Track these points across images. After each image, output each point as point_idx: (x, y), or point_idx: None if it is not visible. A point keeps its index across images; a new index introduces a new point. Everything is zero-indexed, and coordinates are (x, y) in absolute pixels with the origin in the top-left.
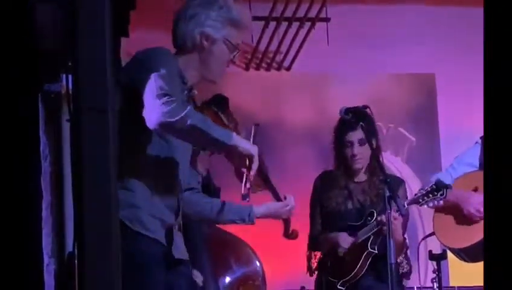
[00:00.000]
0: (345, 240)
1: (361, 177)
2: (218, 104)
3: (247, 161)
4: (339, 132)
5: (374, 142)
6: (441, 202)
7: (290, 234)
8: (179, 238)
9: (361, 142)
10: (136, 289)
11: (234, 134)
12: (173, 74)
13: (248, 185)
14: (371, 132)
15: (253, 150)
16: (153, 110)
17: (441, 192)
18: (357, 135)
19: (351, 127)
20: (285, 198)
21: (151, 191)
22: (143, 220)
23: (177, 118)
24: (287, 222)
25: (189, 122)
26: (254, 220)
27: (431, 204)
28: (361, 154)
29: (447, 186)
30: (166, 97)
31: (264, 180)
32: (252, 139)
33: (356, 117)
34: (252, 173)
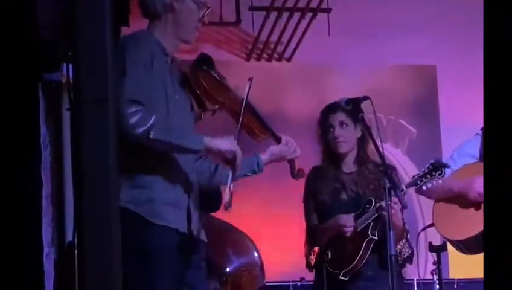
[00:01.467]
0: (347, 219)
1: (351, 167)
2: (208, 63)
3: (229, 158)
4: (322, 121)
5: (359, 129)
6: (440, 182)
7: (296, 174)
8: (196, 222)
9: (341, 124)
10: (159, 274)
11: (205, 137)
12: (147, 63)
13: (232, 188)
14: (359, 120)
15: (230, 145)
16: (120, 120)
17: (439, 171)
18: (337, 117)
19: (330, 110)
20: (282, 140)
21: (161, 180)
22: (160, 211)
23: (140, 130)
24: (292, 163)
25: (152, 134)
26: (263, 168)
27: (429, 185)
28: (343, 137)
29: (445, 165)
30: (133, 106)
31: (264, 128)
32: (246, 95)
33: (354, 107)
34: (238, 168)
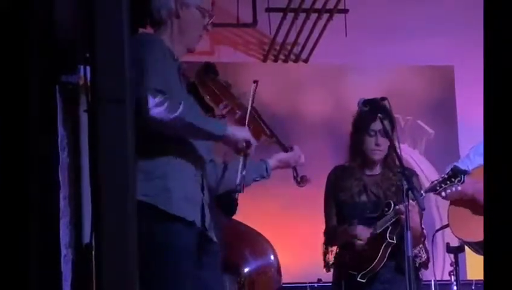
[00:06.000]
0: (362, 232)
1: (376, 170)
2: (213, 71)
3: (244, 145)
4: (363, 121)
5: (391, 134)
6: (459, 188)
7: (300, 181)
8: (209, 219)
9: (382, 134)
10: (174, 269)
11: (227, 125)
12: (164, 60)
13: (244, 173)
14: (390, 124)
15: (247, 135)
16: (147, 110)
17: (458, 178)
18: (383, 125)
19: (377, 115)
20: (291, 148)
21: (179, 171)
22: (177, 202)
23: (171, 117)
24: (295, 170)
25: (183, 120)
26: (271, 173)
27: (448, 191)
28: (383, 146)
29: (465, 172)
30: (159, 96)
31: (271, 135)
32: (251, 98)
33: (374, 109)
34: (249, 157)
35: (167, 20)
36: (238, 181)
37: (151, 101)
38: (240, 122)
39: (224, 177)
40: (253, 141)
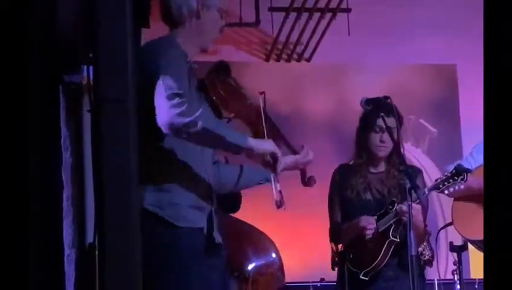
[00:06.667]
0: (369, 221)
1: (380, 167)
2: (226, 71)
3: (270, 159)
4: (369, 118)
5: (397, 132)
6: (462, 187)
7: (307, 180)
8: (216, 224)
9: (389, 130)
10: (180, 272)
11: (249, 137)
12: (180, 64)
13: (279, 187)
14: (396, 122)
15: (272, 147)
16: (164, 112)
17: (461, 176)
18: (389, 121)
19: (383, 112)
20: (302, 147)
21: (185, 183)
22: (184, 214)
23: (188, 119)
24: (303, 170)
25: (200, 124)
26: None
27: (452, 189)
28: (388, 142)
29: (468, 171)
30: (176, 98)
31: (278, 137)
32: (262, 109)
33: (378, 107)
34: (279, 170)
35: (186, 19)
36: (276, 198)
37: (167, 103)
38: (249, 125)
39: (240, 179)
40: (279, 153)
